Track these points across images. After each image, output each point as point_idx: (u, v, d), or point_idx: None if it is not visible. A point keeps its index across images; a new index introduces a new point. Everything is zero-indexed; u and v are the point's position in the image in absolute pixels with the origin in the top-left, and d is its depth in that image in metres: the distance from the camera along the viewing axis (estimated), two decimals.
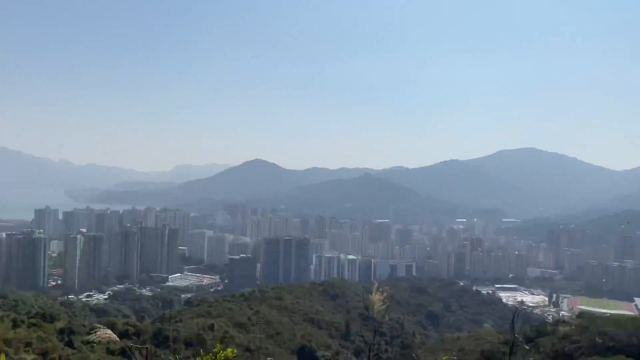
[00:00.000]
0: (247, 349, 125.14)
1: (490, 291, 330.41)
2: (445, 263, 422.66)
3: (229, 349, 6.89)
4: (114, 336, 13.43)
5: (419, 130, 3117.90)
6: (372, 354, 12.16)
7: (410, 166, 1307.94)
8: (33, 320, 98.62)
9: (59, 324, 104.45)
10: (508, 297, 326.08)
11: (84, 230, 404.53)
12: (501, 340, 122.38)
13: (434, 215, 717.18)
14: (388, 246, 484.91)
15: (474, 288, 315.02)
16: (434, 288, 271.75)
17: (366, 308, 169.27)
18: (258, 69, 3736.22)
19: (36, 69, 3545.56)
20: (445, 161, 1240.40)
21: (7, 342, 74.44)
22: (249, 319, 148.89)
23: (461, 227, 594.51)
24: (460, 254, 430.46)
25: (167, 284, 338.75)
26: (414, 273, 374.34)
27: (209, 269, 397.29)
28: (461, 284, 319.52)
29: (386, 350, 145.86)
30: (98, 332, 14.08)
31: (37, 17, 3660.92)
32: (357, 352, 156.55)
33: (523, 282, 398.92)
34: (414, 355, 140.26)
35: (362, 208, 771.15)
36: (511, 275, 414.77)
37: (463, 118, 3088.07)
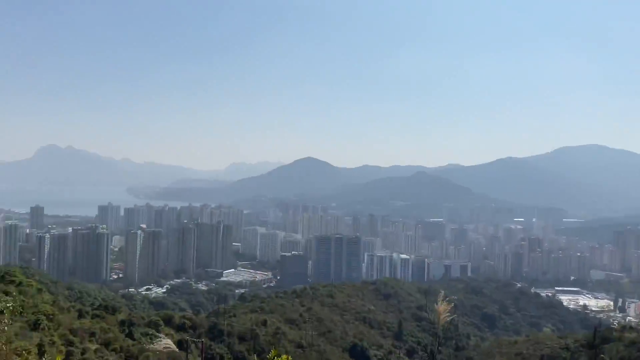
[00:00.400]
0: (299, 346, 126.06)
1: (550, 294, 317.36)
2: (501, 264, 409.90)
3: (284, 356, 6.82)
4: (173, 347, 12.87)
5: (474, 127, 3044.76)
6: None
7: (466, 164, 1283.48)
8: (96, 312, 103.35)
9: (120, 316, 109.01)
10: (569, 301, 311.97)
11: (144, 225, 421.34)
12: (562, 345, 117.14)
13: (490, 214, 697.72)
14: (442, 246, 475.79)
15: (532, 290, 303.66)
16: (489, 289, 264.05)
17: (429, 317, 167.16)
18: (309, 67, 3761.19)
19: (100, 72, 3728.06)
20: (501, 159, 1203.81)
21: (73, 331, 78.32)
22: (301, 315, 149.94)
23: (519, 226, 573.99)
24: (518, 255, 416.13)
25: (222, 279, 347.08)
26: (469, 274, 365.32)
27: (262, 265, 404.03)
28: (518, 285, 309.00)
29: (439, 352, 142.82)
30: (161, 342, 13.37)
31: (100, 21, 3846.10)
32: (410, 353, 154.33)
33: (586, 285, 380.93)
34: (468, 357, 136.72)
35: (415, 207, 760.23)
36: (572, 277, 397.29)
37: (520, 114, 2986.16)
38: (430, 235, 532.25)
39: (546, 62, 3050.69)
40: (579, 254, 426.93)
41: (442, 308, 10.88)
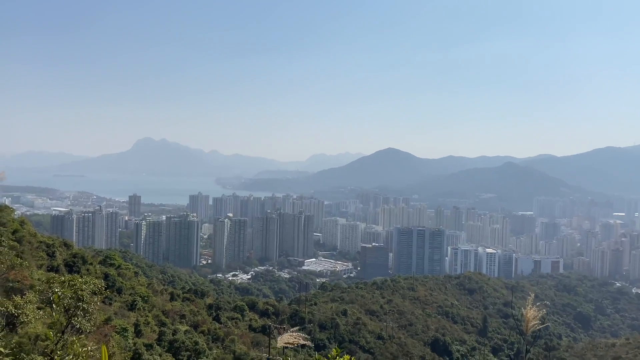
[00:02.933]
0: (379, 337, 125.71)
1: None
2: (598, 261, 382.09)
3: (346, 356, 6.54)
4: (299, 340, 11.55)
5: (568, 115, 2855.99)
6: None
7: (559, 154, 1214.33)
8: (187, 295, 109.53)
9: (208, 300, 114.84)
10: None
11: (230, 214, 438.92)
12: None
13: (586, 208, 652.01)
14: (532, 240, 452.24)
15: (633, 290, 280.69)
16: (584, 288, 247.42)
17: (514, 314, 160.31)
18: (391, 56, 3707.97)
19: (190, 70, 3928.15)
20: (599, 148, 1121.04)
21: (165, 313, 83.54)
22: (381, 307, 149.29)
23: (619, 221, 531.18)
24: (617, 252, 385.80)
25: (303, 267, 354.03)
26: (560, 270, 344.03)
27: (342, 256, 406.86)
28: (617, 284, 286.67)
29: (527, 351, 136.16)
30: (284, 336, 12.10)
31: (188, 20, 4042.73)
32: (495, 350, 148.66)
33: None
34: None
35: (503, 199, 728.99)
36: None
37: (621, 99, 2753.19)
38: (518, 229, 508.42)
39: None
40: None
41: (531, 314, 9.23)
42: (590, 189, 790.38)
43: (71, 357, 7.39)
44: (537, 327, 9.50)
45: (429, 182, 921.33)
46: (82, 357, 7.44)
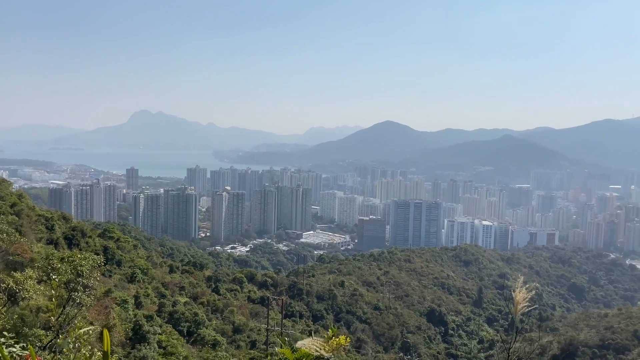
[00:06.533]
0: (376, 308, 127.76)
1: None
2: (593, 233, 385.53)
3: (342, 337, 6.47)
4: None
5: (567, 87, 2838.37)
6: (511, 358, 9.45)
7: (557, 127, 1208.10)
8: (186, 267, 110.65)
9: (207, 272, 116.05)
10: None
11: (228, 187, 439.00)
12: None
13: (583, 180, 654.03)
14: (528, 213, 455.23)
15: (627, 262, 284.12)
16: (578, 259, 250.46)
17: (507, 301, 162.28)
18: (389, 27, 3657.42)
19: (188, 43, 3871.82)
20: (598, 121, 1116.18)
21: (164, 285, 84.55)
22: (378, 279, 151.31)
23: (615, 194, 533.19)
24: (612, 224, 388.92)
25: (301, 240, 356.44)
26: (556, 242, 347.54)
27: (339, 228, 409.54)
28: (612, 256, 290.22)
29: (521, 321, 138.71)
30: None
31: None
32: (490, 320, 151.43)
33: None
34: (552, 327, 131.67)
35: (501, 172, 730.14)
36: None
37: (620, 72, 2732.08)
38: (515, 201, 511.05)
39: None
40: None
41: (520, 296, 8.80)
42: (588, 162, 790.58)
43: (73, 339, 7.46)
44: (526, 310, 9.37)
45: (426, 155, 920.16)
46: (83, 340, 7.43)
